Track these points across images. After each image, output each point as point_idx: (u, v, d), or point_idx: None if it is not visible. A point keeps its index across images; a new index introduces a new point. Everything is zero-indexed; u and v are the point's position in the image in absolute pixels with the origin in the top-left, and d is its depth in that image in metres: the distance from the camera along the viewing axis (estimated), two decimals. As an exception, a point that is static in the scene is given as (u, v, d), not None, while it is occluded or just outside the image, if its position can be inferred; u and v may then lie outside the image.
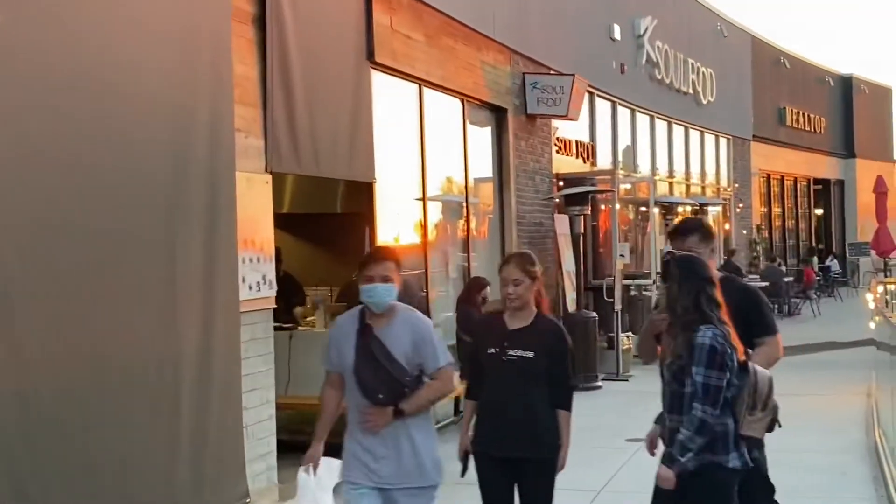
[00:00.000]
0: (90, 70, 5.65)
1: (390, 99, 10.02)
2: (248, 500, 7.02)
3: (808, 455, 8.81)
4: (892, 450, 8.08)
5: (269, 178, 7.58)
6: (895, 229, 28.07)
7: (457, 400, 10.48)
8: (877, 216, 26.71)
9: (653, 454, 5.08)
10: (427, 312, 10.45)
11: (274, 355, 7.87)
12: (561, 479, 8.01)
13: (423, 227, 10.50)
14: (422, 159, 10.47)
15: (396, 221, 10.26)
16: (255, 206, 7.37)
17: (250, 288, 7.29)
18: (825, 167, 32.47)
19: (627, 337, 14.21)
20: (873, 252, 27.65)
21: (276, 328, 9.67)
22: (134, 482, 5.95)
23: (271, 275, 7.59)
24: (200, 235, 6.59)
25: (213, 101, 6.75)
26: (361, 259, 5.20)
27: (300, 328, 9.79)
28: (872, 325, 12.64)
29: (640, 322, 15.59)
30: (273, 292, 7.63)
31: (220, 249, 6.78)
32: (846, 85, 33.41)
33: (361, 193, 9.39)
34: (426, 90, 10.55)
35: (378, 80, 9.47)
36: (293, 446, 9.44)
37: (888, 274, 23.32)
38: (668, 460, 4.51)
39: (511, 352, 5.07)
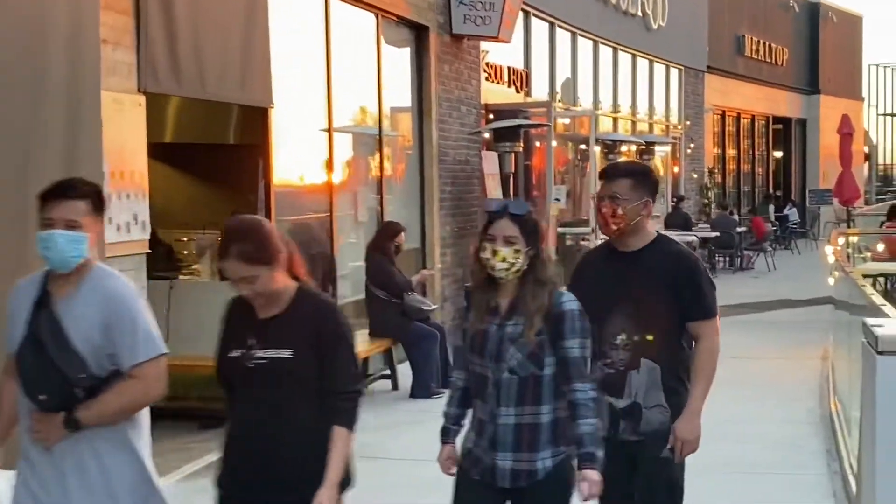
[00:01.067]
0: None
1: (291, 12, 9.68)
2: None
3: (758, 426, 8.85)
4: (847, 420, 8.11)
5: (142, 99, 7.23)
6: (861, 175, 27.99)
7: (365, 360, 10.31)
8: (841, 160, 26.48)
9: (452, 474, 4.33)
10: (332, 261, 10.28)
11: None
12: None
13: (329, 162, 10.19)
14: (328, 84, 10.13)
15: (297, 155, 9.96)
16: (125, 132, 7.05)
17: (118, 228, 6.99)
18: (786, 104, 32.57)
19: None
20: (836, 200, 27.52)
21: (153, 277, 9.48)
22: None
23: (145, 214, 7.29)
24: (58, 164, 6.23)
25: (73, 5, 6.37)
26: (40, 193, 3.82)
27: (181, 277, 9.49)
28: (831, 282, 12.66)
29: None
30: (147, 235, 7.34)
31: (82, 182, 6.46)
32: (812, 12, 33.38)
33: (257, 122, 9.03)
34: (333, 2, 10.19)
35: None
36: (171, 413, 9.25)
37: (851, 224, 23.38)
38: (589, 461, 3.79)
39: (260, 353, 3.85)
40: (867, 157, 40.99)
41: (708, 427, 8.81)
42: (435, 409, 9.51)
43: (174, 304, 9.22)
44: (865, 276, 13.40)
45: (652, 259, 4.50)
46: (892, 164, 60.16)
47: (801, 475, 7.47)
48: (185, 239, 10.16)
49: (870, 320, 4.48)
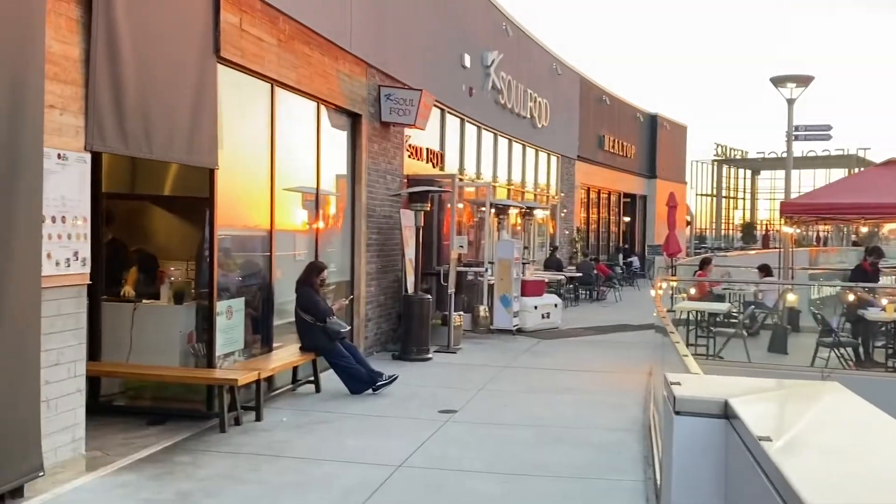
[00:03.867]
0: None
1: (241, 93, 8.46)
2: (41, 474, 5.41)
3: (590, 431, 7.67)
4: (661, 429, 6.95)
5: (87, 156, 5.96)
6: (683, 236, 27.97)
7: (295, 369, 9.07)
8: (668, 224, 26.57)
9: None
10: (270, 292, 9.00)
11: (87, 329, 6.29)
12: (363, 451, 6.82)
13: (271, 214, 8.91)
14: (271, 151, 8.88)
15: (243, 207, 8.71)
16: (68, 183, 5.77)
17: (57, 264, 5.70)
18: (633, 184, 32.10)
19: (459, 315, 12.98)
20: (665, 253, 27.42)
21: (121, 300, 8.16)
22: None
23: (85, 252, 5.99)
24: (-6, 207, 4.97)
25: (16, 76, 5.11)
26: None
27: (144, 301, 8.17)
28: (655, 315, 11.67)
29: (475, 301, 14.59)
30: (86, 269, 6.02)
31: (20, 225, 5.17)
32: (652, 121, 33.16)
33: (205, 179, 7.74)
34: (278, 89, 8.98)
35: (228, 75, 7.90)
36: (130, 411, 7.96)
37: (674, 272, 22.76)
38: None
39: None
40: (689, 223, 40.90)
41: (549, 430, 7.69)
42: (353, 409, 8.32)
43: (136, 322, 7.96)
44: (682, 310, 12.50)
45: None
46: (705, 229, 60.51)
47: (620, 480, 6.21)
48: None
49: (671, 376, 3.25)
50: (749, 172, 75.77)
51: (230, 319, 8.01)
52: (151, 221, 8.87)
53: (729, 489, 2.81)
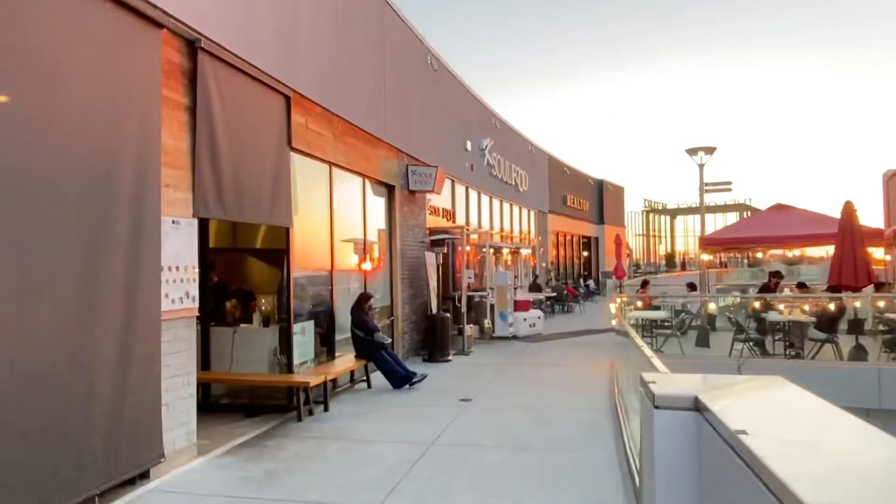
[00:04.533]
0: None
1: (306, 173, 8.20)
2: (162, 459, 5.03)
3: (573, 412, 7.19)
4: (626, 410, 6.50)
5: (194, 221, 5.65)
6: (626, 264, 27.49)
7: (352, 372, 8.65)
8: (616, 256, 26.41)
9: None
10: (332, 315, 8.64)
11: (198, 348, 5.94)
12: (404, 433, 6.44)
13: (331, 259, 8.59)
14: (330, 213, 8.60)
15: (311, 254, 8.38)
16: (180, 241, 5.45)
17: (173, 301, 5.36)
18: (589, 229, 31.53)
19: (470, 327, 12.53)
20: (614, 277, 27.10)
21: (224, 325, 7.81)
22: (54, 449, 3.98)
23: (194, 292, 5.65)
24: (124, 261, 4.66)
25: (140, 164, 4.85)
26: None
27: (242, 325, 7.82)
28: (613, 322, 11.20)
29: (482, 317, 14.19)
30: (195, 304, 5.67)
31: (144, 272, 4.86)
32: (599, 184, 32.75)
33: (283, 235, 7.43)
34: (335, 169, 8.71)
35: (299, 160, 7.65)
36: (232, 408, 7.57)
37: (622, 290, 22.31)
38: None
39: None
40: (629, 255, 40.46)
41: (540, 412, 7.23)
42: (395, 401, 7.90)
43: (236, 343, 7.60)
44: (631, 318, 12.04)
45: None
46: (639, 259, 59.77)
47: (600, 452, 5.75)
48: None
49: (646, 375, 2.85)
50: (669, 218, 75.21)
51: (304, 336, 7.64)
52: (247, 268, 8.55)
53: (702, 471, 2.41)
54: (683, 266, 58.95)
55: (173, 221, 5.36)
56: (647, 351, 3.73)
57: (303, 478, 5.07)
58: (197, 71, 5.60)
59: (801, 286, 11.88)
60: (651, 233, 69.44)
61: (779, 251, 15.58)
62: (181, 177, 5.49)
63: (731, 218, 61.65)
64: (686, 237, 76.64)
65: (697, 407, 2.49)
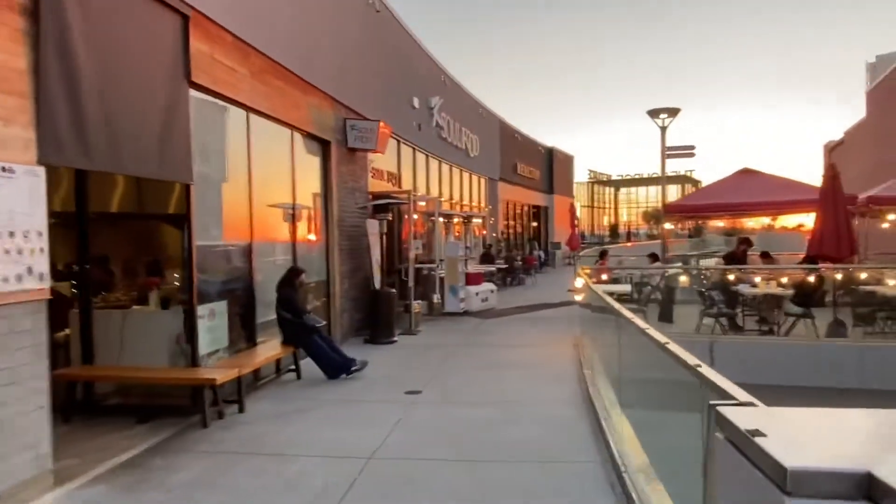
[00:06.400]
0: None
1: (218, 118, 6.61)
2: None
3: (542, 407, 6.03)
4: (607, 407, 5.38)
5: (40, 170, 4.06)
6: (576, 233, 26.94)
7: (278, 360, 7.25)
8: (570, 226, 25.70)
9: None
10: (252, 294, 7.18)
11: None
12: (336, 441, 5.13)
13: (251, 226, 7.07)
14: (248, 170, 7.05)
15: (226, 222, 6.84)
16: (14, 197, 3.87)
17: (6, 280, 3.81)
18: (538, 198, 30.66)
19: (418, 303, 11.25)
20: (566, 247, 26.34)
21: (112, 307, 6.25)
22: None
23: (41, 267, 4.08)
24: None
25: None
26: None
27: (135, 308, 6.27)
28: (574, 296, 10.12)
29: (430, 291, 12.96)
30: (43, 284, 4.11)
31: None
32: (550, 152, 31.83)
33: (182, 194, 5.88)
34: (254, 116, 7.14)
35: (203, 100, 6.06)
36: (123, 410, 6.07)
37: (574, 261, 21.46)
38: None
39: None
40: (577, 225, 40.30)
41: (503, 408, 6.02)
42: (329, 395, 6.54)
43: (126, 327, 6.06)
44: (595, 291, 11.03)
45: None
46: (586, 230, 60.00)
47: (582, 461, 4.57)
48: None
49: (730, 413, 1.54)
50: (613, 189, 75.81)
51: (213, 320, 6.16)
52: (145, 237, 6.93)
53: None
54: (629, 237, 59.45)
55: (2, 169, 3.79)
56: (691, 359, 2.42)
57: (192, 520, 3.70)
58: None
59: (765, 256, 11.11)
60: (596, 204, 69.67)
61: (750, 221, 14.85)
62: (16, 106, 3.89)
63: (673, 190, 62.43)
64: (630, 208, 77.48)
65: (871, 494, 1.23)
